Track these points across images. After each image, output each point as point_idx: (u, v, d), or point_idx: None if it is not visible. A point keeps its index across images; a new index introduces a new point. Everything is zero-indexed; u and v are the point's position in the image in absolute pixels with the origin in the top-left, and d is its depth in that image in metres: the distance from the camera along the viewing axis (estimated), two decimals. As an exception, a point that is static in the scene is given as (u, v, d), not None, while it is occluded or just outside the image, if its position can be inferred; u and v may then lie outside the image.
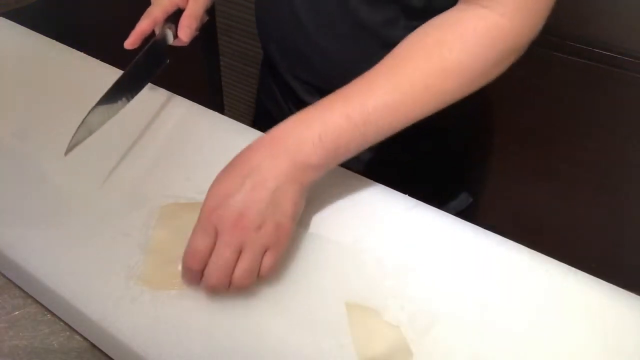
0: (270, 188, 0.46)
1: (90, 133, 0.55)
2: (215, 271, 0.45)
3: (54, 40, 0.80)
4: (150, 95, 0.69)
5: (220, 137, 0.64)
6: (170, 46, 0.66)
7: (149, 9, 0.65)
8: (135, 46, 0.63)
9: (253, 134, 0.65)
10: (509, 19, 0.49)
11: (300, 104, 0.75)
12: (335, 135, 0.47)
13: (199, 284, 0.47)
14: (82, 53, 0.77)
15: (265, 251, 0.46)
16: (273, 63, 0.77)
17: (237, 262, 0.45)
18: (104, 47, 0.83)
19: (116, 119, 0.66)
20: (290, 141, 0.47)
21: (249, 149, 0.49)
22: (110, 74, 0.73)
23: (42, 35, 0.80)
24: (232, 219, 0.45)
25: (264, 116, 0.86)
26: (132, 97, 0.59)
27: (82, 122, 0.54)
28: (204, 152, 0.62)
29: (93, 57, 0.76)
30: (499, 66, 0.51)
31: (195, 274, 0.46)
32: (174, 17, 0.66)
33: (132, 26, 0.63)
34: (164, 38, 0.65)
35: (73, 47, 0.78)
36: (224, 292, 0.46)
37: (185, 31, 0.65)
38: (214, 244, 0.46)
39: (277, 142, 0.48)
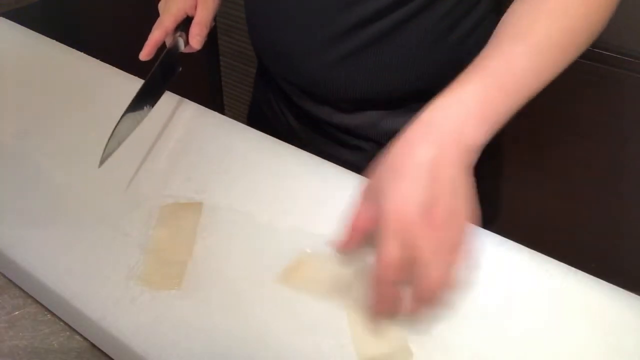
0: (448, 178, 0.42)
1: (119, 143, 0.56)
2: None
3: (54, 40, 0.80)
4: (150, 95, 0.69)
5: (220, 137, 0.64)
6: (181, 52, 0.67)
7: (160, 19, 0.66)
8: (150, 57, 0.65)
9: (253, 134, 0.65)
10: None
11: (294, 108, 0.75)
12: (493, 108, 0.46)
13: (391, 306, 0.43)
14: (82, 53, 0.77)
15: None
16: (265, 67, 0.78)
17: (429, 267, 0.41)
18: (104, 47, 0.83)
19: (116, 118, 0.66)
20: (449, 126, 0.44)
21: (404, 144, 0.44)
22: (110, 74, 0.73)
23: (42, 35, 0.81)
24: (422, 219, 0.41)
25: (257, 115, 0.86)
26: (153, 105, 0.61)
27: (112, 133, 0.55)
28: (204, 152, 0.62)
29: (93, 57, 0.76)
30: (608, 16, 0.53)
31: (390, 291, 0.43)
32: (184, 25, 0.67)
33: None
34: (176, 46, 0.66)
35: (73, 47, 0.78)
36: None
37: (197, 39, 0.66)
38: (404, 254, 0.41)
39: (434, 130, 0.44)
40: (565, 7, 0.50)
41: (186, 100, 0.69)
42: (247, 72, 1.62)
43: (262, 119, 0.83)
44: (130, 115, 0.58)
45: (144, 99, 0.60)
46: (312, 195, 0.57)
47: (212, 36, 1.60)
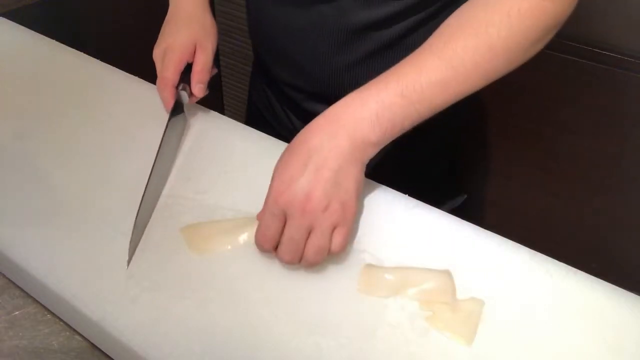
0: (333, 168, 0.47)
1: (142, 232, 0.53)
2: (287, 253, 0.48)
3: (54, 40, 0.80)
4: (151, 96, 0.69)
5: (220, 137, 0.64)
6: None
7: (162, 76, 0.63)
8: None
9: (253, 133, 0.65)
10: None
11: (300, 111, 0.75)
12: (391, 113, 0.49)
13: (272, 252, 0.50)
14: (82, 53, 0.77)
15: (334, 229, 0.48)
16: (266, 71, 0.77)
17: (307, 241, 0.47)
18: (104, 47, 0.83)
19: (116, 118, 0.66)
20: (347, 121, 0.49)
21: (306, 131, 0.50)
22: (110, 74, 0.73)
23: (42, 35, 0.80)
24: (299, 203, 0.47)
25: (256, 119, 0.86)
26: (170, 170, 0.59)
27: (135, 223, 0.52)
28: (204, 152, 0.62)
29: (93, 57, 0.76)
30: (539, 44, 0.53)
31: (268, 251, 0.49)
32: (184, 74, 0.64)
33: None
34: (180, 101, 0.63)
35: (73, 47, 0.78)
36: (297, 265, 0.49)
37: (199, 87, 0.64)
38: (283, 224, 0.48)
39: (334, 122, 0.49)
40: (487, 26, 0.50)
41: (186, 100, 0.69)
42: (247, 72, 1.61)
43: (261, 122, 0.83)
44: (151, 190, 0.55)
45: (162, 166, 0.58)
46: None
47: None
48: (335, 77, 0.66)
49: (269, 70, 0.76)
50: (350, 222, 0.49)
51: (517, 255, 0.52)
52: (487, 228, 0.54)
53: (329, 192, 0.47)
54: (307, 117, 0.74)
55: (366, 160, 0.50)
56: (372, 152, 0.50)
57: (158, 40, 0.66)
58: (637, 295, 0.48)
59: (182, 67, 0.64)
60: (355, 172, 0.49)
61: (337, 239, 0.48)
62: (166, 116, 0.62)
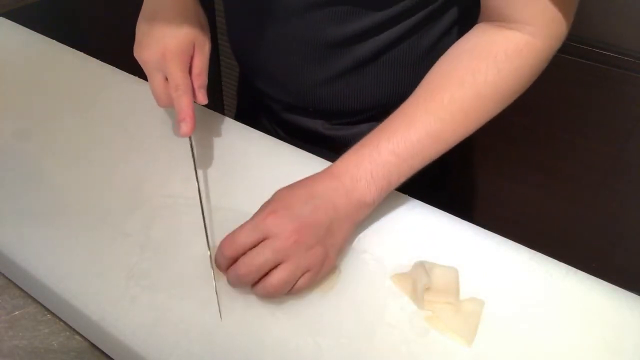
0: (330, 215, 0.47)
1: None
2: (248, 265, 0.45)
3: (54, 40, 0.80)
4: (150, 96, 0.69)
5: (220, 137, 0.64)
6: None
7: (176, 82, 0.56)
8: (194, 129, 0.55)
9: (252, 133, 0.65)
10: (539, 37, 0.50)
11: (281, 122, 0.75)
12: (385, 171, 0.49)
13: (226, 270, 0.47)
14: (82, 53, 0.77)
15: (304, 272, 0.47)
16: (249, 82, 0.77)
17: (275, 270, 0.45)
18: (104, 47, 0.83)
19: (116, 118, 0.66)
20: (345, 179, 0.49)
21: (310, 180, 0.50)
22: (110, 74, 0.73)
23: (42, 35, 0.81)
24: (289, 229, 0.45)
25: (245, 115, 0.86)
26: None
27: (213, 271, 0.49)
28: (204, 152, 0.62)
29: (93, 57, 0.76)
30: (532, 80, 0.53)
31: (226, 260, 0.47)
32: None
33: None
34: None
35: (73, 47, 0.78)
36: (245, 287, 0.47)
37: (203, 93, 0.58)
38: (257, 243, 0.46)
39: (335, 179, 0.50)
40: (473, 73, 0.50)
41: (186, 100, 0.69)
42: (247, 72, 1.62)
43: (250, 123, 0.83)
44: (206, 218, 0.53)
45: (202, 186, 0.57)
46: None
47: (212, 36, 1.60)
48: (311, 90, 0.65)
49: (249, 81, 0.75)
50: (323, 273, 0.48)
51: (517, 255, 0.52)
52: (487, 228, 0.54)
53: (320, 235, 0.47)
54: (288, 127, 0.74)
55: (358, 222, 0.51)
56: (366, 213, 0.51)
57: (146, 42, 0.58)
58: (637, 295, 0.48)
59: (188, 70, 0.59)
60: (346, 229, 0.49)
61: (303, 281, 0.46)
62: (166, 115, 0.62)
